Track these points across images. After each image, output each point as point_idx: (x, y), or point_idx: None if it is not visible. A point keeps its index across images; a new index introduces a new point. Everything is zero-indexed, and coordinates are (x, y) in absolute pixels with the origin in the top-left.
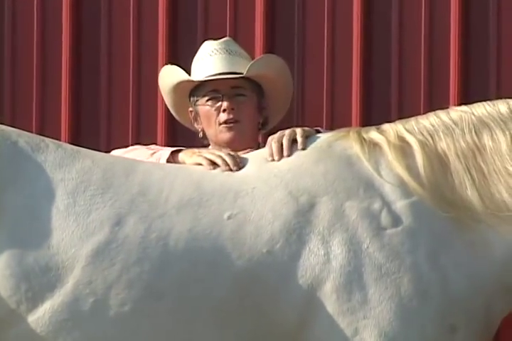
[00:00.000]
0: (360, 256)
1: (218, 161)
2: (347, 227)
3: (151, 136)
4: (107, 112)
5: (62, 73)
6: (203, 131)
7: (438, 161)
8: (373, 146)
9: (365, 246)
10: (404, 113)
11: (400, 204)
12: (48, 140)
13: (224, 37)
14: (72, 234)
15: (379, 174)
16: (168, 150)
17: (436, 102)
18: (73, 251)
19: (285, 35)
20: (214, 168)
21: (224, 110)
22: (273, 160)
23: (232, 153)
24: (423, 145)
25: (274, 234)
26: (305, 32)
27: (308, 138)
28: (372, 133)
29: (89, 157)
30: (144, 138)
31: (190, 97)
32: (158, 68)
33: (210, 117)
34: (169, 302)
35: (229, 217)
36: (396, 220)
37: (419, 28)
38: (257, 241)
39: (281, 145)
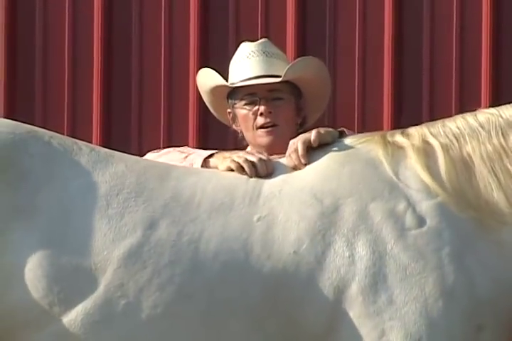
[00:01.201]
0: (385, 258)
1: (246, 167)
2: (371, 229)
3: (183, 138)
4: (138, 115)
5: (93, 76)
6: (242, 132)
7: (462, 165)
8: (397, 149)
9: (390, 248)
10: (435, 114)
11: (425, 205)
12: (80, 142)
13: (256, 38)
14: (105, 237)
15: (397, 178)
16: (201, 155)
17: (467, 103)
18: (105, 254)
19: (316, 37)
20: (245, 174)
21: (261, 114)
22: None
23: (263, 157)
24: (447, 148)
25: (300, 235)
26: (336, 33)
27: (335, 142)
28: (397, 137)
29: (123, 161)
30: (175, 141)
31: (228, 99)
32: (190, 70)
33: (248, 121)
34: (199, 305)
35: (258, 219)
36: (421, 221)
37: (451, 30)
38: (284, 242)
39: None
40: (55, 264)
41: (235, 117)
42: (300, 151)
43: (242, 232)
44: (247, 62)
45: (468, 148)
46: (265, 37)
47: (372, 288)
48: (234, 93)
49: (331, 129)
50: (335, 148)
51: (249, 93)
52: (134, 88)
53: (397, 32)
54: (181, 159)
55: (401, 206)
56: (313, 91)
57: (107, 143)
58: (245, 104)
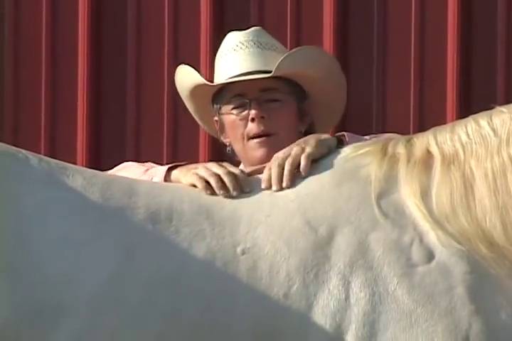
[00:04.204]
0: (387, 301)
1: (212, 181)
2: (371, 265)
3: (192, 154)
4: (136, 124)
5: (78, 73)
6: (231, 145)
7: (462, 182)
8: (393, 165)
9: (392, 288)
10: None
11: (433, 236)
12: (25, 151)
13: (284, 30)
14: (71, 267)
15: (389, 203)
16: (165, 167)
17: None
18: (72, 289)
19: (361, 27)
20: (211, 192)
21: (252, 120)
22: (268, 188)
23: (235, 170)
24: (450, 161)
25: (290, 272)
26: (386, 22)
27: (329, 155)
28: (399, 147)
29: (78, 173)
30: (182, 158)
31: (213, 104)
32: (201, 67)
33: (237, 129)
34: None
35: (243, 252)
36: (428, 255)
37: None
38: (273, 282)
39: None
40: (9, 303)
41: (222, 126)
42: (287, 169)
43: (226, 268)
44: (235, 56)
45: (472, 160)
46: (296, 27)
47: (371, 340)
48: (219, 95)
49: (326, 136)
50: (330, 162)
51: (237, 94)
52: (130, 91)
53: (463, 20)
54: (141, 173)
55: (406, 237)
56: (321, 91)
57: (93, 162)
58: (233, 108)
